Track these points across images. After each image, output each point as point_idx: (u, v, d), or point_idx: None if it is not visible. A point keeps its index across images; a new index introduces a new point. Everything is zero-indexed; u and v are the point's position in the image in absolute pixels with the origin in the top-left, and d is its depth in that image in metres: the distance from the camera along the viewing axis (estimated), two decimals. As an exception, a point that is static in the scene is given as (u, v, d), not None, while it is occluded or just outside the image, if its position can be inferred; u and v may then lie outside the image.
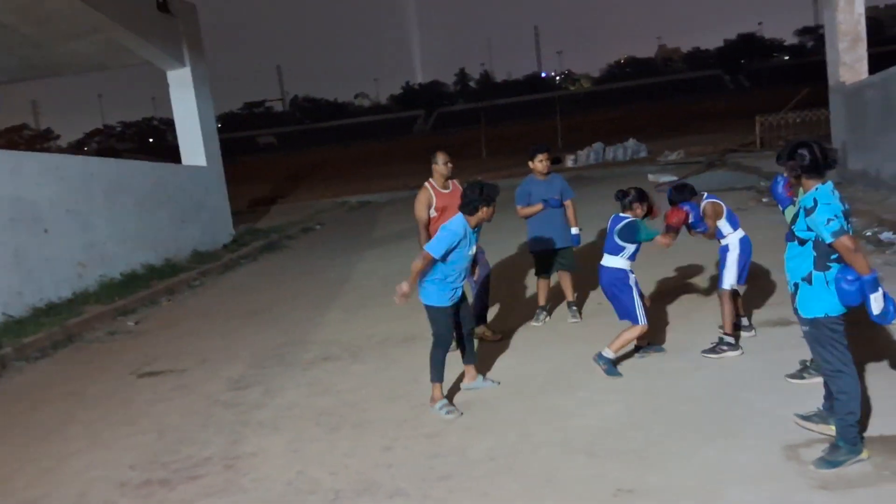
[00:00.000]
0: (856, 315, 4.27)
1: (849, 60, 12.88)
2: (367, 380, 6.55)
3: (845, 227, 3.98)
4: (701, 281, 8.12)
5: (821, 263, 4.10)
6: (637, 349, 6.12)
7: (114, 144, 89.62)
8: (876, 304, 3.99)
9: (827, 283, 4.09)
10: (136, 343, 9.00)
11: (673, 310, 7.29)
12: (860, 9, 12.68)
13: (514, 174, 20.30)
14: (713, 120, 36.59)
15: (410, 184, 24.36)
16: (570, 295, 7.52)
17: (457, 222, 5.50)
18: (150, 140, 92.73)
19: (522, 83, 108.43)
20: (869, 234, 9.14)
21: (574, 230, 7.39)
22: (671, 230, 5.75)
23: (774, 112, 22.23)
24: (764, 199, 12.72)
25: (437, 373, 5.56)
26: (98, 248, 11.61)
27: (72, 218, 11.13)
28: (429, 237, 6.22)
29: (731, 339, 5.93)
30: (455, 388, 5.96)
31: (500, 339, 7.12)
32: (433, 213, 6.79)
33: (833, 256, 4.06)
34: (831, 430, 4.25)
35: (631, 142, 25.68)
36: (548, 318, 7.57)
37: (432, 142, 52.76)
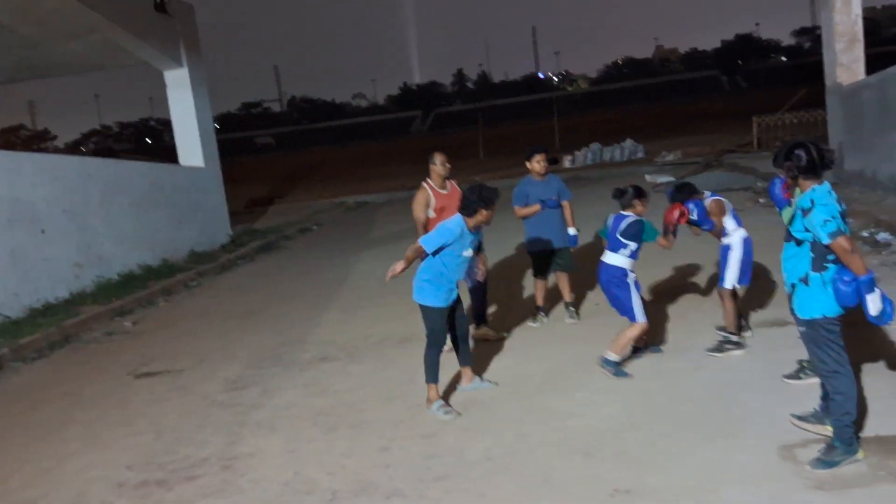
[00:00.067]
0: (852, 316, 4.28)
1: (846, 61, 12.90)
2: (365, 380, 6.55)
3: (842, 228, 3.99)
4: (699, 281, 8.13)
5: (818, 264, 4.11)
6: (634, 350, 6.13)
7: (111, 145, 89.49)
8: (873, 304, 4.00)
9: (824, 283, 4.09)
10: (133, 343, 8.99)
11: (671, 310, 7.30)
12: (857, 10, 12.71)
13: (511, 175, 20.31)
14: (710, 120, 36.63)
15: (408, 184, 24.36)
16: (567, 295, 7.53)
17: (455, 221, 5.54)
18: (148, 140, 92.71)
19: (520, 84, 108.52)
20: (866, 234, 9.16)
21: (571, 231, 7.40)
22: (669, 230, 5.77)
23: (771, 113, 22.26)
24: (761, 200, 12.73)
25: (432, 374, 5.57)
26: (95, 249, 11.60)
27: (69, 218, 11.12)
28: None
29: (735, 338, 5.94)
30: (452, 389, 5.97)
31: (504, 338, 7.14)
32: (431, 214, 6.79)
33: (830, 257, 4.07)
34: (827, 430, 4.27)
35: (628, 142, 25.70)
36: (545, 319, 7.57)
37: (430, 142, 52.74)
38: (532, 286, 7.84)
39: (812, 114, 20.57)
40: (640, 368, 5.86)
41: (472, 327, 7.20)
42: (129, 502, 4.83)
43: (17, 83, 19.87)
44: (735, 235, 5.99)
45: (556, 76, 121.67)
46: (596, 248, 10.08)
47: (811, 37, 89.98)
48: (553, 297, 7.91)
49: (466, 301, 7.22)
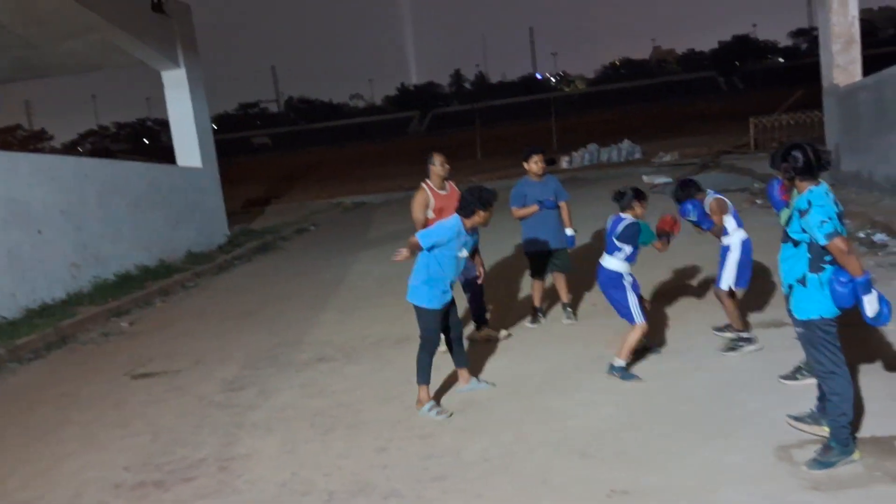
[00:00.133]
0: (849, 317, 4.29)
1: (842, 62, 12.92)
2: (362, 381, 6.55)
3: (839, 229, 4.00)
4: (698, 282, 8.14)
5: (815, 265, 4.12)
6: (645, 349, 6.15)
7: (108, 145, 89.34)
8: (869, 305, 4.01)
9: (821, 284, 4.10)
10: (130, 344, 8.98)
11: (669, 311, 7.31)
12: (854, 11, 12.72)
13: (508, 175, 20.33)
14: (707, 121, 36.66)
15: (405, 185, 24.37)
16: (564, 296, 7.53)
17: (452, 220, 5.57)
18: (145, 141, 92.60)
19: (517, 84, 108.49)
20: (862, 235, 9.18)
21: (569, 231, 7.40)
22: (663, 235, 5.77)
23: (768, 114, 22.29)
24: (758, 201, 12.75)
25: (424, 375, 5.60)
26: (92, 249, 11.59)
27: (65, 219, 11.11)
28: None
29: (747, 335, 5.95)
30: (449, 390, 5.97)
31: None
32: (430, 214, 6.79)
33: (827, 258, 4.08)
34: (824, 431, 4.27)
35: (625, 143, 25.72)
36: (543, 320, 7.58)
37: (427, 143, 52.75)
38: (529, 287, 7.84)
39: (809, 115, 20.61)
40: (637, 369, 5.86)
41: (473, 331, 7.23)
42: (125, 503, 4.82)
43: (14, 83, 19.85)
44: (734, 237, 6.00)
45: (554, 77, 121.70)
46: (593, 248, 10.10)
47: (808, 38, 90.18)
48: (550, 297, 7.92)
49: (463, 304, 7.24)
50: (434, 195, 6.84)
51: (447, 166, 6.95)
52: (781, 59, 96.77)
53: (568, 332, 7.19)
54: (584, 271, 8.78)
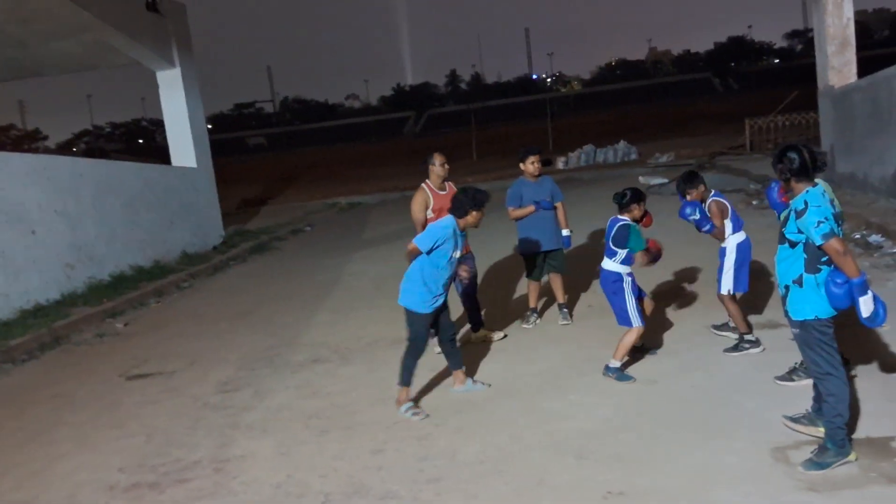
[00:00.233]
0: (844, 317, 4.29)
1: (837, 64, 12.95)
2: (357, 382, 6.54)
3: (835, 230, 4.00)
4: (694, 283, 8.14)
5: (811, 266, 4.12)
6: (634, 350, 6.14)
7: (102, 145, 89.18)
8: (865, 306, 4.01)
9: (817, 285, 4.11)
10: (124, 345, 8.94)
11: (664, 312, 7.31)
12: (849, 13, 12.75)
13: (504, 176, 20.34)
14: (703, 122, 36.72)
15: (401, 185, 24.36)
16: (560, 297, 7.53)
17: (447, 221, 5.60)
18: (140, 141, 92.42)
19: (513, 85, 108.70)
20: (857, 237, 9.19)
21: (565, 232, 7.40)
22: (648, 252, 5.74)
23: (764, 115, 22.34)
24: (754, 202, 12.78)
25: (406, 377, 5.63)
26: (86, 250, 11.54)
27: (60, 219, 11.07)
28: None
29: (751, 337, 5.95)
30: (445, 391, 5.96)
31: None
32: (430, 214, 6.79)
33: (823, 259, 4.08)
34: (820, 431, 4.28)
35: (621, 144, 25.77)
36: (538, 321, 7.57)
37: (422, 143, 52.80)
38: (525, 288, 7.83)
39: (804, 116, 20.66)
40: (633, 370, 5.86)
41: (469, 332, 7.23)
42: (119, 505, 4.80)
43: (7, 83, 19.76)
44: (730, 240, 6.00)
45: (550, 77, 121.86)
46: (589, 249, 10.10)
47: (803, 39, 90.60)
48: (546, 298, 7.91)
49: (459, 308, 7.23)
50: (434, 195, 6.84)
51: (447, 166, 6.97)
52: (777, 61, 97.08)
53: (564, 333, 7.18)
54: (579, 272, 8.78)
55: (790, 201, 4.24)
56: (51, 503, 4.93)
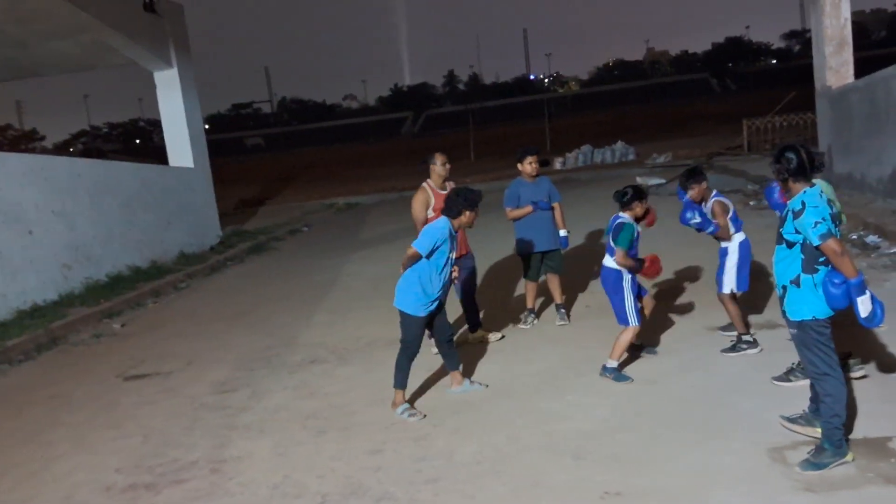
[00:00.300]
0: (842, 318, 4.29)
1: (835, 64, 12.97)
2: (355, 382, 6.53)
3: (832, 230, 4.00)
4: (692, 283, 8.14)
5: (808, 266, 4.12)
6: (632, 349, 6.15)
7: (100, 145, 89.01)
8: (863, 307, 4.01)
9: (815, 285, 4.11)
10: (121, 345, 8.93)
11: (663, 312, 7.30)
12: (846, 13, 12.77)
13: (502, 177, 20.36)
14: (701, 123, 36.76)
15: (399, 186, 24.36)
16: (558, 297, 7.52)
17: (442, 222, 5.61)
18: (137, 141, 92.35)
19: (511, 85, 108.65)
20: (854, 237, 9.20)
21: (562, 232, 7.40)
22: (637, 262, 5.71)
23: (761, 115, 22.36)
24: (751, 203, 12.80)
25: (400, 379, 5.63)
26: (83, 250, 11.53)
27: (57, 219, 11.05)
28: None
29: (749, 338, 5.95)
30: (442, 391, 5.96)
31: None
32: (430, 214, 6.79)
33: (821, 259, 4.08)
34: (817, 432, 4.28)
35: (619, 144, 25.79)
36: (535, 321, 7.57)
37: (420, 144, 52.80)
38: (522, 288, 7.83)
39: (801, 116, 20.68)
40: (631, 370, 5.86)
41: (467, 332, 7.22)
42: (116, 506, 4.79)
43: (5, 83, 19.74)
44: (733, 239, 5.99)
45: (548, 78, 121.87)
46: (586, 250, 10.10)
47: (801, 40, 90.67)
48: (543, 299, 7.91)
49: (457, 309, 7.23)
50: (434, 195, 6.84)
51: (448, 166, 6.97)
52: (774, 61, 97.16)
53: (561, 334, 7.18)
54: (577, 272, 8.79)
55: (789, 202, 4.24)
56: (48, 503, 4.93)
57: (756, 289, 7.17)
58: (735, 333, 6.13)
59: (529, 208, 7.19)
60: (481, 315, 7.43)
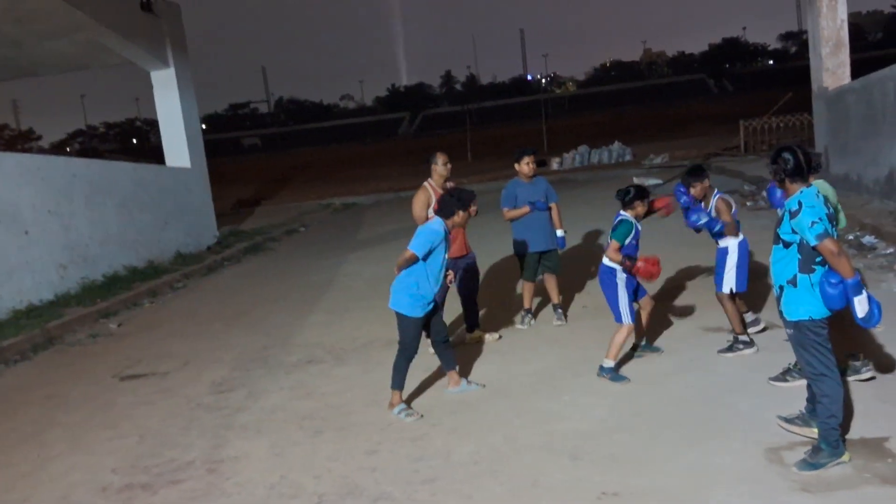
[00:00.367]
0: (839, 318, 4.30)
1: (831, 66, 13.00)
2: (351, 383, 6.53)
3: (829, 231, 4.01)
4: (690, 284, 8.15)
5: (805, 266, 4.13)
6: (633, 348, 6.15)
7: (96, 145, 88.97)
8: (860, 307, 4.02)
9: (811, 285, 4.11)
10: (117, 345, 8.91)
11: (661, 312, 7.30)
12: (843, 15, 12.80)
13: (499, 177, 20.38)
14: (698, 123, 36.82)
15: (396, 186, 24.37)
16: (555, 297, 7.53)
17: (436, 223, 5.63)
18: (134, 141, 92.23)
19: (508, 86, 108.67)
20: (851, 237, 9.22)
21: (559, 233, 7.40)
22: (628, 261, 5.69)
23: (758, 116, 22.40)
24: (748, 204, 12.81)
25: (398, 380, 5.63)
26: (80, 250, 11.51)
27: (53, 219, 11.03)
28: None
29: (745, 338, 5.96)
30: (439, 391, 5.95)
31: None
32: (431, 214, 6.79)
33: (818, 259, 4.09)
34: (813, 432, 4.28)
35: (616, 145, 25.84)
36: (533, 321, 7.57)
37: (417, 144, 52.81)
38: (519, 288, 7.83)
39: (798, 117, 20.73)
40: (627, 370, 5.86)
41: (465, 332, 7.22)
42: (112, 506, 4.78)
43: (1, 82, 19.68)
44: (731, 240, 6.00)
45: (545, 78, 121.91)
46: (583, 250, 10.10)
47: (797, 41, 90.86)
48: (541, 299, 7.91)
49: (454, 309, 7.23)
50: (435, 194, 6.83)
51: (449, 166, 6.99)
52: (771, 62, 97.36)
53: (558, 334, 7.18)
54: (574, 273, 8.79)
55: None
56: (43, 504, 4.92)
57: (752, 289, 7.18)
58: (762, 326, 6.14)
59: (527, 208, 7.19)
60: (480, 316, 7.43)
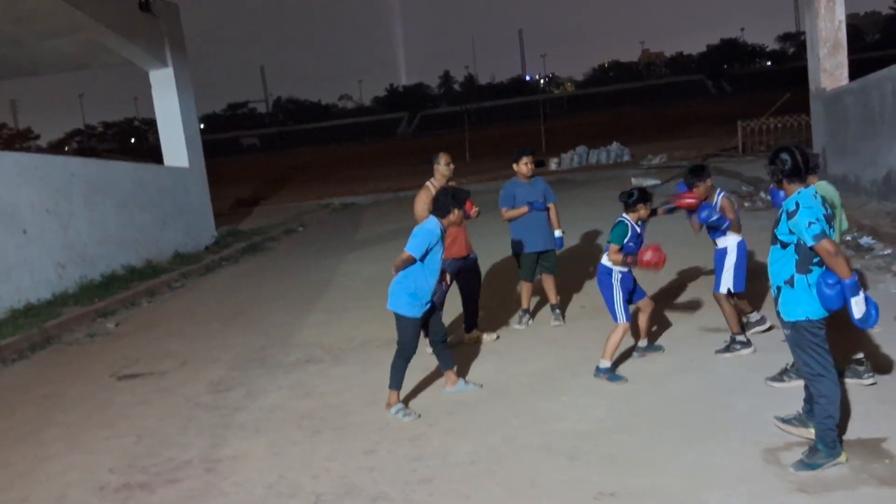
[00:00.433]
0: (836, 319, 4.30)
1: (829, 67, 13.01)
2: (350, 383, 6.53)
3: (826, 231, 4.01)
4: (688, 284, 8.16)
5: (802, 266, 4.13)
6: (635, 348, 6.16)
7: (95, 145, 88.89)
8: (857, 307, 4.02)
9: (809, 286, 4.12)
10: (115, 345, 8.91)
11: (660, 312, 7.30)
12: (841, 16, 12.81)
13: (498, 177, 20.37)
14: (696, 124, 36.84)
15: (394, 186, 24.37)
16: (553, 298, 7.53)
17: (433, 223, 5.62)
18: (132, 140, 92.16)
19: (506, 86, 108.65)
20: (848, 238, 9.22)
21: (557, 233, 7.41)
22: (630, 257, 5.70)
23: (756, 117, 22.42)
24: (746, 204, 12.82)
25: (396, 380, 5.64)
26: (78, 250, 11.50)
27: (51, 218, 11.02)
28: None
29: (742, 338, 5.97)
30: (437, 391, 5.96)
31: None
32: None
33: (815, 260, 4.09)
34: (810, 433, 4.29)
35: (614, 145, 25.86)
36: (530, 321, 7.57)
37: (416, 144, 52.81)
38: (517, 288, 7.83)
39: (796, 118, 20.75)
40: (625, 371, 5.87)
41: (463, 332, 7.23)
42: (110, 505, 4.78)
43: (0, 81, 19.67)
44: (731, 240, 6.01)
45: (543, 79, 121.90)
46: (581, 250, 10.10)
47: (795, 42, 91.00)
48: (538, 299, 7.91)
49: (453, 309, 7.23)
50: None
51: (452, 166, 7.00)
52: (769, 63, 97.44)
53: (556, 334, 7.19)
54: (572, 273, 8.80)
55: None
56: (41, 503, 4.90)
57: (750, 289, 7.19)
58: (757, 328, 6.14)
59: (525, 209, 7.19)
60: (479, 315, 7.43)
